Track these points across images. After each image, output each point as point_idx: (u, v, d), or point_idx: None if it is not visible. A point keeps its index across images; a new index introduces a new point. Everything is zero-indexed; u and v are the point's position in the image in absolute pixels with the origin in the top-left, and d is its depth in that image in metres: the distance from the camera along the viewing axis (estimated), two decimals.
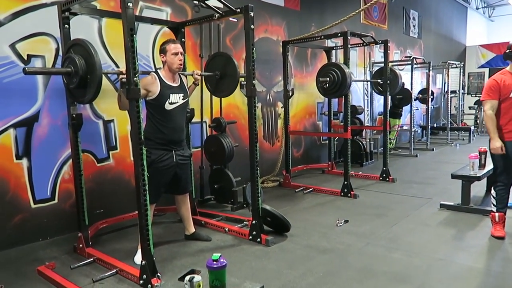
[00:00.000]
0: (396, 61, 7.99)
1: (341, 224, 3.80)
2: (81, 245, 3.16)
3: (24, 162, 3.42)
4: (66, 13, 2.97)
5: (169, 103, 3.04)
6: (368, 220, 3.92)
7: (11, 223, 3.36)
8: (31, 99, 3.44)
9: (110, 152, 4.02)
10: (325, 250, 3.22)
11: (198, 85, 3.46)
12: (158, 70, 3.12)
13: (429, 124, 8.86)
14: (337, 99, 6.43)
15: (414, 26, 10.18)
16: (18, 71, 3.33)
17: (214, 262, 1.92)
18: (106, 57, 3.92)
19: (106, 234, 3.64)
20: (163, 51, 3.06)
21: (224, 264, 1.94)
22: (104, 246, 3.35)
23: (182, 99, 3.15)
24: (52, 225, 3.59)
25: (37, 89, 3.47)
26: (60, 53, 3.32)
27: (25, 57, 3.37)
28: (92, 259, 3.02)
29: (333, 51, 6.23)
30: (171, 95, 3.05)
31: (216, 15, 3.40)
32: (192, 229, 3.48)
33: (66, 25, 2.98)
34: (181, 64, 3.06)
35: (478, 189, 4.19)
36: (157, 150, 3.01)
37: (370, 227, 3.72)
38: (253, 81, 3.26)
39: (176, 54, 3.03)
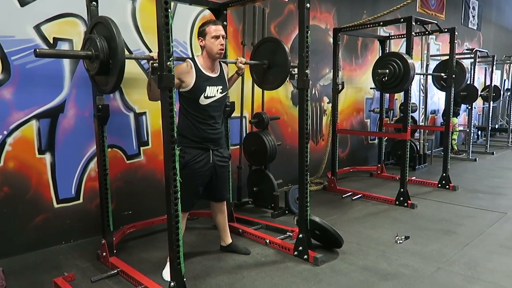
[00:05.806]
0: (456, 54, 7.16)
1: (401, 241, 3.24)
2: (104, 253, 2.79)
3: (47, 157, 3.09)
4: None
5: (205, 97, 2.61)
6: (433, 237, 3.33)
7: (32, 224, 3.05)
8: (56, 87, 3.10)
9: (141, 148, 3.64)
10: (386, 274, 2.68)
11: (241, 75, 3.00)
12: (195, 57, 2.68)
13: (490, 124, 7.98)
14: (387, 94, 5.80)
15: (473, 16, 9.25)
16: None
17: None
18: (140, 43, 3.54)
19: (134, 240, 3.27)
20: (201, 33, 2.61)
21: None
22: (130, 255, 2.98)
23: (220, 93, 2.70)
24: (76, 227, 3.26)
25: (63, 76, 3.12)
26: None
27: (51, 41, 3.03)
28: (115, 271, 2.65)
29: (388, 41, 5.59)
30: (207, 87, 2.61)
31: None
32: (228, 239, 3.05)
33: (94, 2, 2.59)
34: (222, 50, 2.61)
35: None
36: (192, 149, 2.60)
37: (437, 246, 3.14)
38: (306, 71, 2.75)
39: (217, 37, 2.57)
